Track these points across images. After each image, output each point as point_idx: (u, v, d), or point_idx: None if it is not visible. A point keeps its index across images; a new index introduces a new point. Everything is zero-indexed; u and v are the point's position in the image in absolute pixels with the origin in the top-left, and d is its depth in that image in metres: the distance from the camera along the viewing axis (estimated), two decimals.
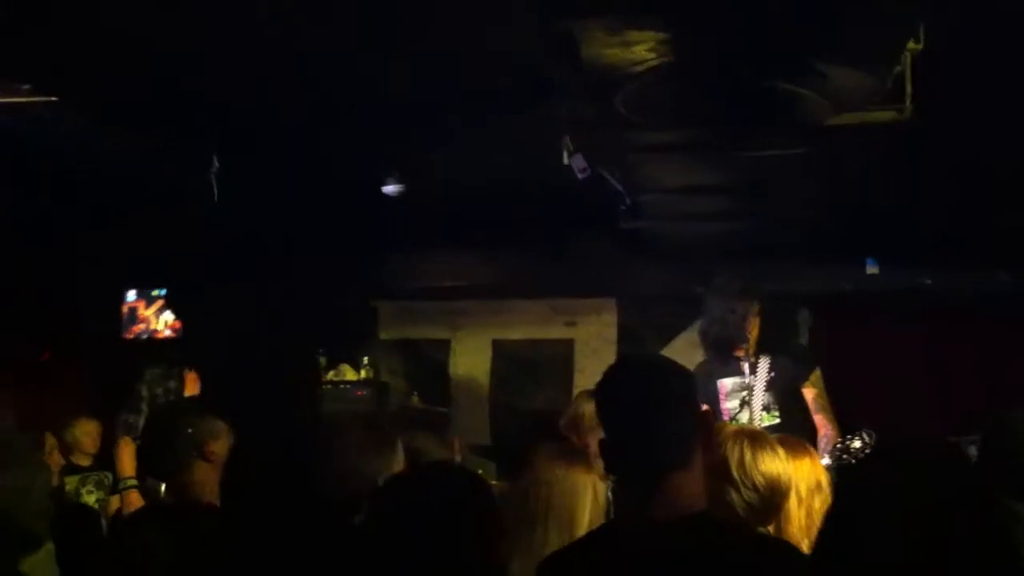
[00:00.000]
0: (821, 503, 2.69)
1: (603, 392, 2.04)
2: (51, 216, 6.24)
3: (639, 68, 3.17)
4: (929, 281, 6.59)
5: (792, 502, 2.64)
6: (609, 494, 3.20)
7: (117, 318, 7.18)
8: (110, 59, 4.07)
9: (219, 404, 3.05)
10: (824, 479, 2.84)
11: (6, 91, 4.32)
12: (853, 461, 4.28)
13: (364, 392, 7.15)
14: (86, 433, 6.39)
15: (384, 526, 1.77)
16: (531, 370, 7.60)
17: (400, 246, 7.03)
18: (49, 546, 2.76)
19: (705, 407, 2.32)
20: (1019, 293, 6.44)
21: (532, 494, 2.79)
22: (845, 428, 4.70)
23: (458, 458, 3.35)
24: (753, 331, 4.86)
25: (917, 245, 6.34)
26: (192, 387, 5.44)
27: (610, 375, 2.07)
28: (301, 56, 4.06)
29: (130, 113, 4.72)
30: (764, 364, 4.83)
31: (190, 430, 2.82)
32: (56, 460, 5.80)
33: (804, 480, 2.72)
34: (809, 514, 2.66)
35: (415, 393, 7.51)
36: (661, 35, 3.05)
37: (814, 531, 2.14)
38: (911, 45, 3.43)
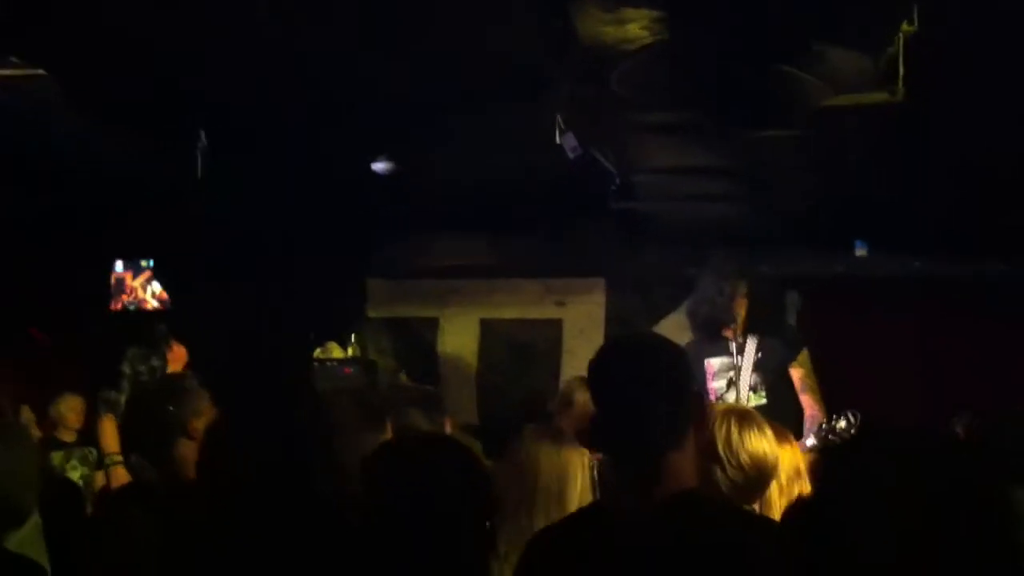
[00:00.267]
0: (800, 491, 2.70)
1: (596, 371, 2.03)
2: (39, 194, 6.21)
3: (633, 46, 3.15)
4: (919, 265, 6.60)
5: (774, 490, 2.65)
6: (595, 474, 3.20)
7: (104, 290, 7.14)
8: (108, 56, 4.05)
9: (206, 379, 3.04)
10: (803, 466, 2.86)
11: None
12: (839, 441, 4.30)
13: (352, 370, 7.12)
14: (71, 408, 6.37)
15: (386, 517, 1.76)
16: (520, 350, 7.60)
17: (390, 224, 7.00)
18: (36, 520, 2.75)
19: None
20: (1010, 279, 6.46)
21: (522, 474, 2.79)
22: (832, 410, 4.72)
23: None
24: (741, 312, 4.87)
25: (908, 229, 6.35)
26: (176, 364, 5.42)
27: (603, 354, 2.06)
28: (292, 34, 4.03)
29: (115, 96, 4.70)
30: (752, 345, 4.85)
31: (173, 408, 2.80)
32: (34, 434, 5.77)
33: (785, 469, 2.73)
34: (790, 502, 2.67)
35: (403, 371, 7.49)
36: (655, 13, 3.03)
37: None
38: (904, 27, 3.42)
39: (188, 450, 2.73)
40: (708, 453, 2.39)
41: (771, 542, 1.85)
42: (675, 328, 5.95)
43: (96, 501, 4.96)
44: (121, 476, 4.93)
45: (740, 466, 2.48)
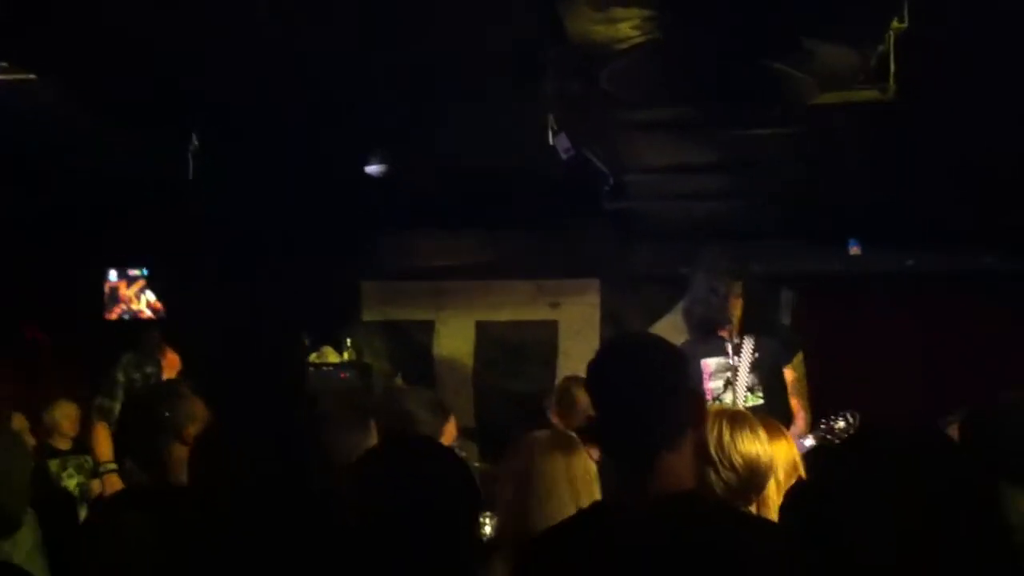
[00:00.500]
0: None
1: (594, 371, 2.03)
2: (31, 198, 6.21)
3: (624, 45, 3.15)
4: (913, 262, 6.61)
5: (771, 488, 2.64)
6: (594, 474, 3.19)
7: (99, 299, 7.13)
8: (108, 56, 4.05)
9: (200, 384, 3.03)
10: (800, 462, 2.85)
11: None
12: (837, 442, 4.30)
13: (347, 374, 7.12)
14: (66, 416, 6.34)
15: (378, 520, 1.75)
16: (515, 351, 7.59)
17: (384, 227, 7.00)
18: (37, 535, 2.74)
19: None
20: (1004, 274, 6.47)
21: (523, 476, 2.77)
22: (828, 408, 4.73)
23: (454, 440, 3.33)
24: (736, 312, 4.86)
25: (901, 227, 6.36)
26: (170, 371, 5.42)
27: (601, 354, 2.06)
28: (290, 34, 4.03)
29: (113, 96, 4.70)
30: (748, 345, 4.84)
31: (168, 413, 2.79)
32: (27, 442, 5.75)
33: (782, 465, 2.72)
34: (785, 496, 2.66)
35: (399, 375, 7.49)
36: (646, 12, 3.03)
37: None
38: (895, 24, 3.42)
39: (182, 455, 2.71)
40: (700, 455, 2.38)
41: (767, 543, 1.85)
42: (670, 328, 5.96)
43: (90, 508, 4.95)
44: (115, 483, 4.93)
45: (733, 467, 2.48)
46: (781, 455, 2.77)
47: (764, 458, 2.55)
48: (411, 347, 7.74)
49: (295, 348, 7.10)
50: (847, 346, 6.85)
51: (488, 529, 3.76)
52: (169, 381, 4.87)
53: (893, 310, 6.93)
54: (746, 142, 4.70)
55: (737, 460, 2.48)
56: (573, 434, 3.52)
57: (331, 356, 7.27)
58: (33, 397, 6.57)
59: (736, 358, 4.81)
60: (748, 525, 2.01)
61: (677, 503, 1.88)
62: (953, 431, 3.22)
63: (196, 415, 2.80)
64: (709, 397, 4.77)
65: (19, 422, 5.64)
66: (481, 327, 7.70)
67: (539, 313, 7.63)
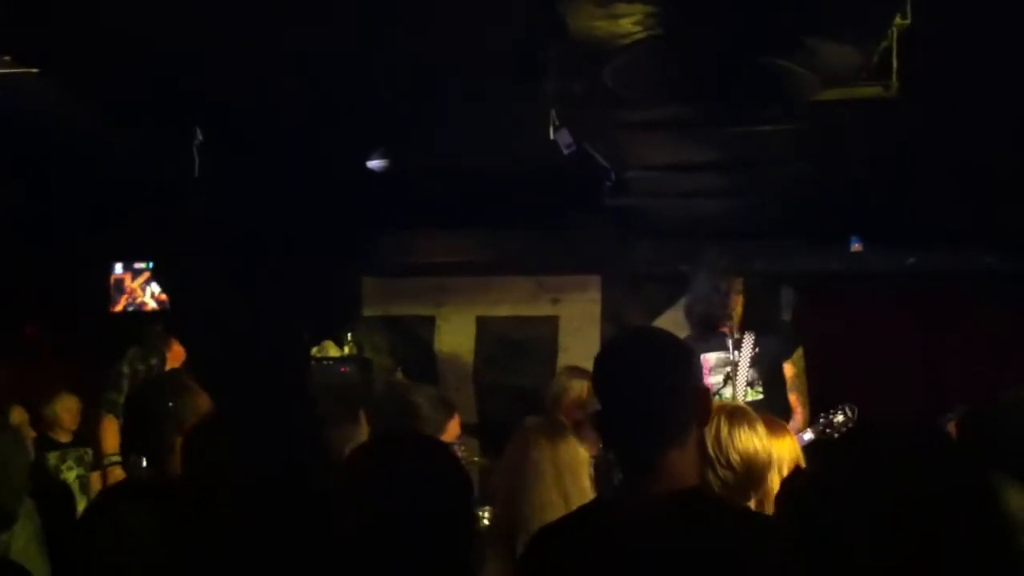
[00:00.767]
0: None
1: (600, 367, 2.01)
2: (34, 194, 6.21)
3: (626, 41, 3.14)
4: (914, 260, 6.61)
5: (775, 482, 2.64)
6: (591, 470, 3.20)
7: (104, 291, 7.15)
8: (108, 55, 4.05)
9: (202, 377, 3.03)
10: (802, 458, 2.85)
11: None
12: (835, 436, 4.31)
13: (348, 368, 7.12)
14: (66, 409, 6.35)
15: (374, 526, 1.75)
16: (516, 347, 7.60)
17: (385, 222, 7.00)
18: (37, 525, 2.73)
19: None
20: (1004, 273, 6.46)
21: (522, 468, 2.79)
22: (829, 405, 4.74)
23: (456, 437, 3.33)
24: (737, 308, 4.87)
25: (903, 225, 6.35)
26: (175, 363, 5.42)
27: (607, 349, 2.05)
28: (289, 34, 4.03)
29: (114, 95, 4.70)
30: (748, 340, 4.85)
31: (171, 404, 2.79)
32: (28, 434, 5.75)
33: (785, 460, 2.72)
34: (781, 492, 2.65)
35: (399, 369, 7.49)
36: (649, 8, 3.03)
37: None
38: (898, 20, 3.41)
39: None
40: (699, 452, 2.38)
41: (770, 541, 1.85)
42: (671, 325, 5.95)
43: (91, 501, 4.95)
44: (119, 477, 4.93)
45: (730, 465, 2.46)
46: (785, 451, 2.76)
47: (763, 454, 2.54)
48: (412, 342, 7.74)
49: (296, 344, 7.11)
50: (848, 344, 6.85)
51: (486, 522, 3.77)
52: (173, 372, 4.88)
53: (893, 308, 6.93)
54: (748, 139, 4.69)
55: (734, 458, 2.47)
56: (563, 420, 3.53)
57: (332, 350, 7.27)
58: (33, 390, 6.56)
59: (736, 353, 4.82)
60: (751, 522, 2.01)
61: (681, 500, 1.87)
62: (952, 429, 3.23)
63: (199, 407, 2.80)
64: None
65: (19, 415, 5.63)
66: (482, 323, 7.70)
67: (540, 309, 7.64)
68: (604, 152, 5.24)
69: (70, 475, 6.22)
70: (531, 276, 7.58)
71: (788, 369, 4.94)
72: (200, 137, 5.11)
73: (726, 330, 4.84)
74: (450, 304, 7.73)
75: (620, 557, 1.84)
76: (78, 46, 4.00)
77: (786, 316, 6.92)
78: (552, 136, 4.69)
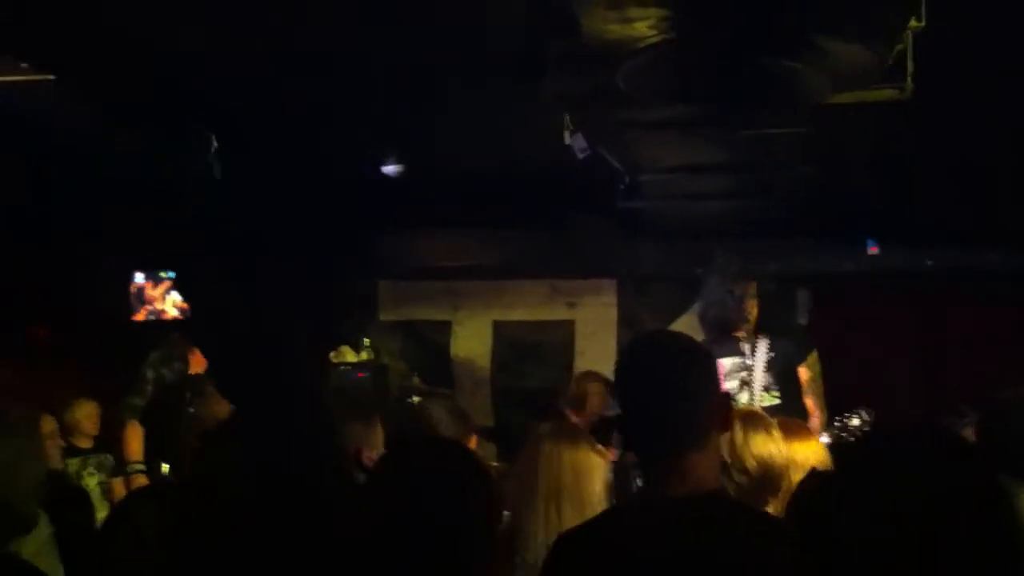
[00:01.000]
0: None
1: (621, 371, 2.02)
2: (57, 202, 6.25)
3: (640, 44, 3.15)
4: (931, 262, 6.58)
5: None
6: (609, 475, 3.20)
7: (124, 299, 7.19)
8: (111, 55, 4.07)
9: (223, 384, 3.05)
10: (827, 461, 2.84)
11: (5, 70, 4.31)
12: (851, 439, 4.29)
13: (364, 374, 7.14)
14: (87, 415, 6.38)
15: (388, 521, 1.75)
16: (531, 351, 7.61)
17: (401, 227, 7.02)
18: (49, 530, 2.74)
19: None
20: (1019, 274, 6.42)
21: (539, 473, 2.79)
22: (845, 408, 4.72)
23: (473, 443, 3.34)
24: (752, 312, 4.86)
25: (919, 226, 6.33)
26: (197, 366, 5.44)
27: (628, 354, 2.05)
28: (300, 38, 4.05)
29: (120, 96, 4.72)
30: (763, 344, 4.83)
31: (192, 410, 2.82)
32: (57, 443, 5.79)
33: (811, 464, 2.70)
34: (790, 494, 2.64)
35: (416, 375, 7.51)
36: (662, 11, 3.03)
37: None
38: (912, 23, 3.40)
39: None
40: None
41: (788, 545, 1.84)
42: (687, 328, 5.92)
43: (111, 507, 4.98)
44: (142, 484, 4.95)
45: (745, 470, 2.46)
46: (811, 455, 2.75)
47: (779, 459, 2.53)
48: (428, 347, 7.76)
49: (311, 349, 7.13)
50: (864, 346, 6.82)
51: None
52: (195, 379, 4.89)
53: (910, 310, 6.91)
54: (761, 142, 4.68)
55: (750, 463, 2.47)
56: (579, 423, 3.53)
57: (348, 355, 7.29)
58: (53, 398, 6.60)
59: (752, 358, 4.80)
60: (772, 526, 2.00)
61: (703, 504, 1.88)
62: (968, 432, 3.22)
63: (219, 414, 2.82)
64: None
65: (48, 424, 5.66)
66: (498, 327, 7.71)
67: (556, 313, 7.64)
68: (617, 155, 5.25)
69: (91, 481, 6.26)
70: (547, 280, 7.59)
71: (803, 373, 4.91)
72: (216, 144, 5.14)
73: (740, 334, 4.83)
74: (466, 309, 7.74)
75: (643, 561, 1.84)
76: (79, 46, 4.02)
77: (802, 319, 6.90)
78: (567, 141, 4.69)
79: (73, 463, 6.25)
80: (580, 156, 4.75)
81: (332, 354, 7.27)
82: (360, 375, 7.16)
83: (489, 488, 1.83)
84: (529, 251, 7.15)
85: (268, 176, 5.80)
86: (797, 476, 2.62)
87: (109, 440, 6.17)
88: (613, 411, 4.82)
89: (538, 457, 2.84)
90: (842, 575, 1.32)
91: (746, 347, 4.82)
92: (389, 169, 5.80)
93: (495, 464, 5.61)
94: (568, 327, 7.62)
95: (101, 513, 4.38)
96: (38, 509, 2.53)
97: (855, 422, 4.45)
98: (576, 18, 3.09)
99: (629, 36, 3.12)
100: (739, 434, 2.49)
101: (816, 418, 4.84)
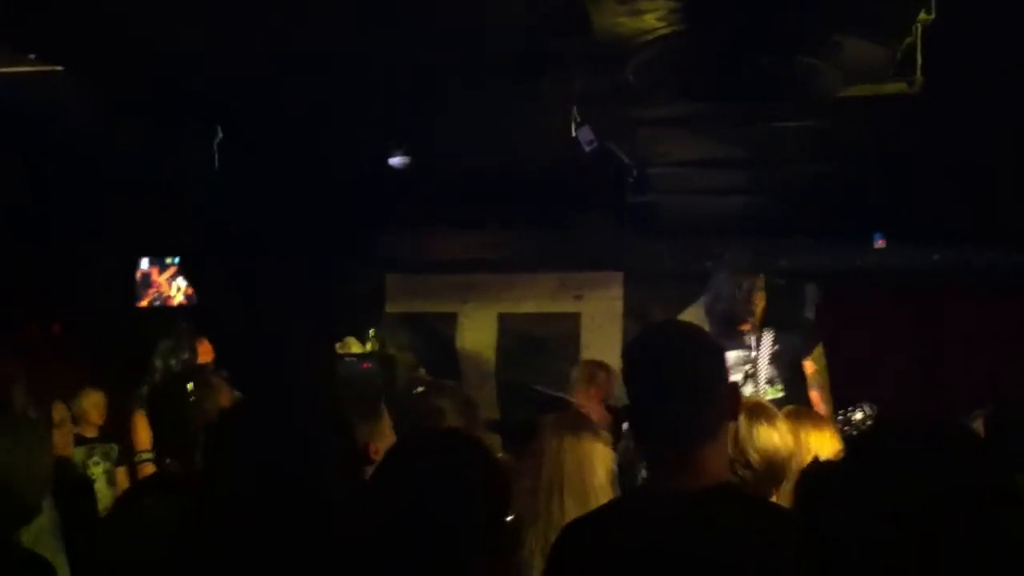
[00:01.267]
0: None
1: (629, 360, 2.00)
2: (59, 193, 6.26)
3: (649, 37, 3.14)
4: (938, 257, 6.56)
5: None
6: (615, 466, 3.20)
7: (129, 288, 7.19)
8: (115, 51, 4.07)
9: (229, 373, 3.05)
10: (840, 450, 2.83)
11: (12, 61, 4.32)
12: (855, 433, 4.28)
13: (370, 365, 7.15)
14: (93, 404, 6.41)
15: (395, 514, 1.74)
16: (537, 344, 7.60)
17: (408, 219, 7.02)
18: (53, 516, 2.75)
19: None
20: (1019, 272, 6.40)
21: (545, 463, 2.79)
22: (851, 403, 4.71)
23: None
24: (760, 305, 4.86)
25: (927, 221, 6.31)
26: (205, 356, 5.44)
27: (637, 345, 2.04)
28: (300, 37, 4.05)
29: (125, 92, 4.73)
30: (768, 337, 4.83)
31: (194, 399, 2.81)
32: (68, 431, 5.81)
33: (824, 454, 2.69)
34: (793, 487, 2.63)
35: (422, 367, 7.51)
36: (672, 4, 3.02)
37: None
38: (922, 16, 3.39)
39: None
40: None
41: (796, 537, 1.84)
42: (694, 321, 5.95)
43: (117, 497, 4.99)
44: (150, 473, 4.95)
45: (748, 464, 2.44)
46: (824, 446, 2.75)
47: (783, 451, 2.52)
48: (434, 339, 7.76)
49: (317, 341, 7.14)
50: (871, 341, 6.81)
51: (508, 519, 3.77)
52: (200, 368, 4.89)
53: (918, 305, 6.89)
54: (772, 136, 4.67)
55: (753, 457, 2.45)
56: (586, 411, 3.52)
57: (354, 347, 7.30)
58: (59, 386, 6.62)
59: (756, 351, 4.81)
60: (784, 518, 1.99)
61: (714, 496, 1.87)
62: (978, 426, 3.21)
63: (224, 404, 2.81)
64: None
65: (60, 411, 5.68)
66: (504, 320, 7.71)
67: (562, 306, 7.64)
68: (625, 149, 5.24)
69: (97, 470, 6.28)
70: (553, 273, 7.58)
71: (809, 366, 4.92)
72: (220, 134, 5.15)
73: (746, 328, 4.83)
74: (472, 301, 7.74)
75: (653, 553, 1.83)
76: (80, 41, 4.02)
77: (809, 314, 6.89)
78: (574, 133, 4.69)
79: (79, 452, 6.27)
80: (587, 149, 4.75)
81: (338, 345, 7.28)
82: (365, 366, 7.16)
83: (495, 481, 1.82)
84: (537, 245, 7.15)
85: (279, 170, 5.80)
86: None
87: (115, 429, 6.19)
88: (616, 401, 4.83)
89: (542, 447, 2.85)
90: (842, 573, 1.31)
91: (751, 340, 4.83)
92: (395, 161, 5.80)
93: (500, 455, 5.61)
94: (575, 320, 7.62)
95: (106, 502, 4.40)
96: (43, 499, 2.53)
97: (858, 416, 4.44)
98: (586, 14, 3.08)
99: (639, 29, 3.11)
100: (743, 426, 2.48)
101: (821, 411, 4.84)
